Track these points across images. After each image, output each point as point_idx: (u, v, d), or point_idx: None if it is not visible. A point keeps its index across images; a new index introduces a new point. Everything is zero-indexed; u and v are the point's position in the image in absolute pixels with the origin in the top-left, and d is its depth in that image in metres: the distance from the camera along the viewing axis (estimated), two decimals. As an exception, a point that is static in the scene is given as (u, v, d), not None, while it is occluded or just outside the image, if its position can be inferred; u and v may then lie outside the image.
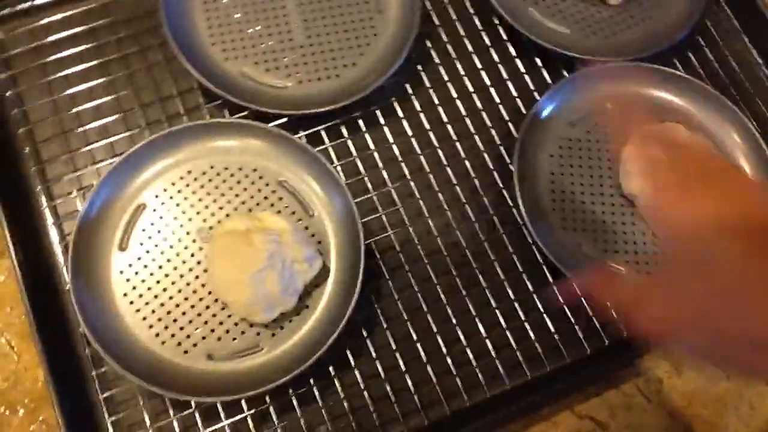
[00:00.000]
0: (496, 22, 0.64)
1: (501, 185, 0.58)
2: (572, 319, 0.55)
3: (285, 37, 0.60)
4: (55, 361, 0.50)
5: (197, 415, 0.51)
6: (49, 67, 0.59)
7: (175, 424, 0.51)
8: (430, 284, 0.55)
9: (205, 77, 0.56)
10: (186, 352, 0.52)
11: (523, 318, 0.55)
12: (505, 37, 0.63)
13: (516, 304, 0.55)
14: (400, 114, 0.60)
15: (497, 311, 0.55)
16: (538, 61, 0.63)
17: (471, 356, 0.53)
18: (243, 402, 0.51)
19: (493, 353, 0.54)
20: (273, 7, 0.61)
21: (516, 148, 0.57)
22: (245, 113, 0.57)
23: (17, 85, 0.59)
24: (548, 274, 0.56)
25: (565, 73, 0.62)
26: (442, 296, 0.55)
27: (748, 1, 0.65)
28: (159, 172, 0.55)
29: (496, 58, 0.62)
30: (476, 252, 0.56)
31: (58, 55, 0.59)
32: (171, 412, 0.51)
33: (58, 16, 0.61)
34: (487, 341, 0.54)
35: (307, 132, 0.58)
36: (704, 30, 0.65)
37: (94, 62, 0.60)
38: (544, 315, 0.55)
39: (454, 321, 0.54)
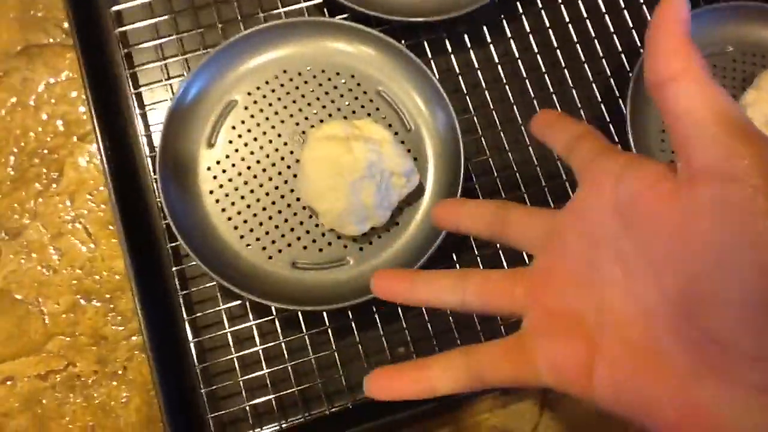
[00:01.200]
0: (617, -55, 0.59)
1: (608, 119, 0.55)
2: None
3: (394, -62, 0.56)
4: (136, 252, 0.48)
5: (277, 322, 0.49)
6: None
7: (254, 329, 0.49)
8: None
9: (308, -28, 0.53)
10: (270, 257, 0.50)
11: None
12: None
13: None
14: (508, 34, 0.56)
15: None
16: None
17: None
18: (325, 315, 0.49)
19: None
20: None
21: (630, 83, 0.53)
22: (346, 15, 0.54)
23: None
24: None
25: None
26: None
27: None
28: (253, 69, 0.52)
29: (613, -14, 0.58)
30: (573, 186, 0.53)
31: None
32: (250, 317, 0.49)
33: None
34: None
35: (409, 42, 0.55)
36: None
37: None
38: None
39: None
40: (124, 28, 0.53)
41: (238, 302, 0.49)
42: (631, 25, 0.57)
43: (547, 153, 0.53)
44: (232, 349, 0.49)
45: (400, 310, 0.50)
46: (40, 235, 0.50)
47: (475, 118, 0.54)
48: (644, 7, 0.58)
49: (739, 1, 0.56)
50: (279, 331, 0.49)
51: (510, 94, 0.55)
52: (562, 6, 0.57)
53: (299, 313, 0.49)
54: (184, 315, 0.49)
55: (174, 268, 0.50)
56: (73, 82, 0.53)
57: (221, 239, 0.49)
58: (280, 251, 0.50)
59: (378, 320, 0.50)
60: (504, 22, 0.56)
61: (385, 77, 0.53)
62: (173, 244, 0.50)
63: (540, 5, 0.57)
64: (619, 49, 0.57)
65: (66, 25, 0.53)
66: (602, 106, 0.55)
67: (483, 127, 0.54)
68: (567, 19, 0.57)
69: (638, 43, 0.57)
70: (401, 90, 0.53)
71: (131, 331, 0.50)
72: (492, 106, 0.54)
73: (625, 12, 0.58)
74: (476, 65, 0.55)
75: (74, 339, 0.50)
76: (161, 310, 0.49)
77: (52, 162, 0.52)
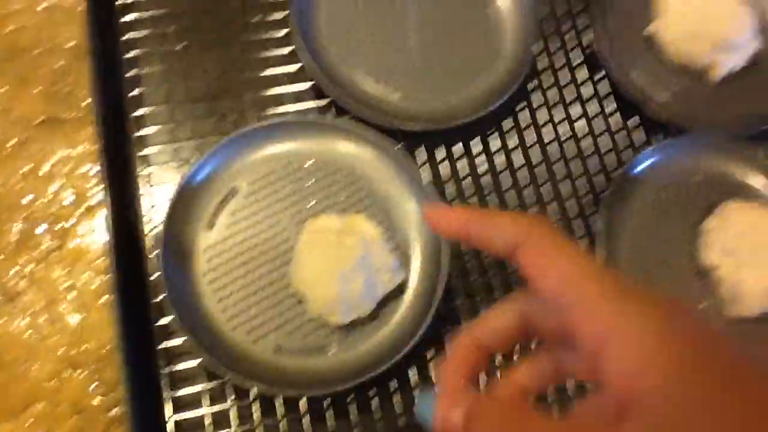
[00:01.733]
0: (600, 76, 0.64)
1: (580, 236, 0.59)
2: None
3: (402, 53, 0.62)
4: (126, 326, 0.50)
5: (256, 405, 0.51)
6: (169, 38, 0.60)
7: (232, 411, 0.51)
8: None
9: (320, 76, 0.57)
10: (255, 341, 0.52)
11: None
12: (606, 91, 0.64)
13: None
14: (495, 148, 0.61)
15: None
16: (635, 120, 0.63)
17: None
18: (303, 400, 0.51)
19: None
20: (395, 22, 0.63)
21: (603, 201, 0.57)
22: (348, 116, 0.58)
23: (136, 47, 0.59)
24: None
25: (661, 137, 0.63)
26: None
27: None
28: (259, 160, 0.56)
29: (594, 109, 0.63)
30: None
31: (181, 26, 0.60)
32: (230, 399, 0.51)
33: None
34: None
35: (406, 145, 0.59)
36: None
37: (214, 40, 0.60)
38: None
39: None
40: (142, 111, 0.57)
41: (219, 382, 0.51)
42: (608, 148, 0.62)
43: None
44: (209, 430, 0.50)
45: (378, 401, 0.52)
46: (37, 300, 0.52)
47: (460, 223, 0.58)
48: (624, 132, 0.63)
49: (708, 134, 0.62)
50: (256, 415, 0.50)
51: (495, 202, 0.59)
52: (547, 125, 0.62)
53: (278, 398, 0.51)
54: (167, 391, 0.50)
55: (161, 344, 0.51)
56: (87, 157, 0.56)
57: (210, 319, 0.52)
58: (265, 335, 0.52)
59: (357, 409, 0.52)
60: (492, 135, 0.61)
61: (381, 177, 0.57)
62: (162, 321, 0.52)
63: (526, 123, 0.62)
64: (594, 170, 0.61)
65: (84, 103, 0.57)
66: (575, 222, 0.59)
67: (467, 232, 0.57)
68: (548, 139, 0.62)
69: (613, 165, 0.61)
70: (395, 190, 0.56)
71: (113, 402, 0.51)
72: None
73: (605, 135, 0.63)
74: (464, 173, 0.59)
75: (55, 407, 0.51)
76: (145, 386, 0.51)
77: (57, 230, 0.54)
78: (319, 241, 0.51)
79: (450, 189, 0.59)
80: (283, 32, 0.61)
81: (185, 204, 0.53)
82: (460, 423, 0.26)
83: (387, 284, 0.52)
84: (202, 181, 0.54)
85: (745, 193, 0.62)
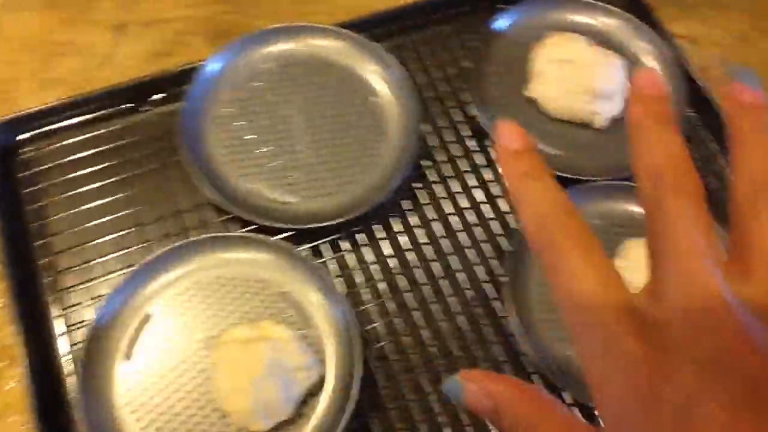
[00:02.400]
0: (489, 144, 0.68)
1: (492, 297, 0.61)
2: None
3: (292, 156, 0.65)
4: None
5: None
6: (71, 183, 0.64)
7: None
8: (423, 394, 0.56)
9: (217, 194, 0.60)
10: (186, 463, 0.53)
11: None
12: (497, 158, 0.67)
13: (509, 416, 0.56)
14: (397, 229, 0.63)
15: (488, 424, 0.56)
16: (528, 180, 0.66)
17: (465, 468, 0.54)
18: None
19: (485, 466, 0.54)
20: (283, 129, 0.66)
21: (507, 262, 0.60)
22: (253, 227, 0.61)
23: (40, 199, 0.63)
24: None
25: (554, 192, 0.65)
26: (436, 407, 0.56)
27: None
28: (167, 283, 0.58)
29: (489, 177, 0.66)
30: (468, 363, 0.58)
31: (81, 172, 0.64)
32: None
33: (84, 136, 0.66)
34: None
35: (310, 245, 0.61)
36: (686, 152, 0.69)
37: (114, 179, 0.64)
38: (537, 427, 0.55)
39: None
40: (51, 257, 0.60)
41: (155, 508, 0.52)
42: (506, 210, 0.65)
43: (443, 334, 0.58)
44: None
45: (310, 501, 0.53)
46: (-33, 458, 0.54)
47: (370, 309, 0.60)
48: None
49: (604, 180, 0.64)
50: None
51: (403, 284, 0.61)
52: (444, 201, 0.65)
53: None
54: None
55: (93, 480, 0.53)
56: (3, 310, 0.58)
57: (137, 450, 0.53)
58: (196, 456, 0.53)
59: None
60: (392, 219, 0.64)
61: (287, 279, 0.59)
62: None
63: (424, 201, 0.65)
64: (499, 232, 0.64)
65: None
66: (486, 286, 0.61)
67: (379, 317, 0.59)
68: (448, 211, 0.64)
69: (513, 225, 0.64)
70: (302, 290, 0.59)
71: None
72: (384, 297, 0.60)
73: (500, 200, 0.65)
74: (371, 260, 0.62)
75: None
76: None
77: (-19, 386, 0.56)
78: (231, 353, 0.53)
79: (359, 278, 0.61)
80: (177, 158, 0.64)
81: (100, 340, 0.55)
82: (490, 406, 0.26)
83: (303, 382, 0.54)
84: (113, 316, 0.56)
85: (643, 230, 0.63)
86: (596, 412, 0.25)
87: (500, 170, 0.28)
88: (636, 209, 0.64)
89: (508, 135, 0.28)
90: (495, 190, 0.66)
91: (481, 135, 0.68)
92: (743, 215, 0.25)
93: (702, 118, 0.71)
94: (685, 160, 0.25)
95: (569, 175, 0.64)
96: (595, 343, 0.24)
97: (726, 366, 0.22)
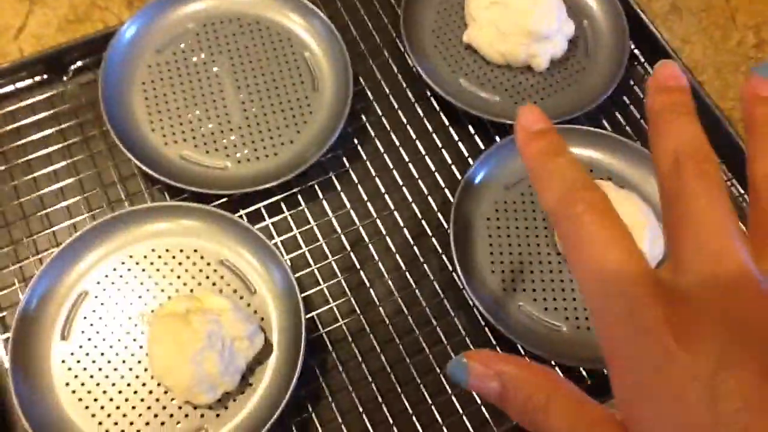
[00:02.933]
0: (429, 94, 0.66)
1: (440, 251, 0.59)
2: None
3: (223, 119, 0.62)
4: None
5: (142, 504, 0.50)
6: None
7: None
8: (374, 354, 0.55)
9: (145, 163, 0.57)
10: (131, 440, 0.51)
11: (467, 382, 0.55)
12: (437, 107, 0.66)
13: (460, 369, 0.55)
14: (338, 187, 0.61)
15: (442, 377, 0.55)
16: (470, 128, 0.65)
17: (419, 426, 0.53)
18: (189, 488, 0.51)
19: (440, 420, 0.54)
20: (211, 91, 0.63)
21: (451, 213, 0.58)
22: (186, 195, 0.59)
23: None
24: (492, 338, 0.57)
25: (497, 139, 0.64)
26: (386, 365, 0.55)
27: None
28: (100, 258, 0.56)
29: (430, 127, 0.65)
30: (419, 318, 0.57)
31: (2, 149, 0.61)
32: (115, 504, 0.50)
33: (3, 111, 0.62)
34: (433, 408, 0.54)
35: (247, 210, 0.59)
36: (629, 90, 0.68)
37: (38, 153, 0.61)
38: (489, 377, 0.55)
39: (399, 389, 0.54)
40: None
41: (102, 490, 0.50)
42: (450, 161, 0.63)
43: (391, 291, 0.57)
44: None
45: (263, 470, 0.51)
46: None
47: (316, 271, 0.58)
48: (459, 144, 0.64)
49: (568, 125, 0.63)
50: None
51: (346, 243, 0.59)
52: (385, 155, 0.63)
53: (163, 491, 0.50)
54: None
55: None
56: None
57: (80, 430, 0.51)
58: (138, 431, 0.51)
59: (241, 484, 0.51)
60: (333, 177, 0.62)
61: (225, 247, 0.57)
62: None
63: (365, 157, 0.63)
64: (442, 184, 0.62)
65: None
66: (433, 239, 0.60)
67: (325, 278, 0.58)
68: (391, 165, 0.63)
69: (458, 176, 0.62)
70: (240, 257, 0.57)
71: None
72: (331, 257, 0.58)
73: (443, 150, 0.64)
74: (312, 221, 0.60)
75: None
76: None
77: None
78: (167, 327, 0.51)
79: (301, 240, 0.59)
80: (102, 129, 0.62)
81: (32, 322, 0.53)
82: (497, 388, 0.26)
83: (247, 351, 0.52)
84: (45, 295, 0.53)
85: (589, 171, 0.63)
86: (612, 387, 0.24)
87: (521, 152, 0.28)
88: (578, 151, 0.63)
89: (528, 116, 0.29)
90: (438, 139, 0.64)
91: (419, 85, 0.66)
92: (763, 199, 0.26)
93: (645, 55, 0.70)
94: (706, 146, 0.26)
95: (512, 122, 0.62)
96: (620, 309, 0.23)
97: (755, 335, 0.22)
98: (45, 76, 0.64)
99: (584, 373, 0.56)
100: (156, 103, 0.62)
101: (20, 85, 0.64)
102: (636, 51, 0.70)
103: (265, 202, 0.60)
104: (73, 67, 0.65)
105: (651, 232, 0.56)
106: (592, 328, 0.57)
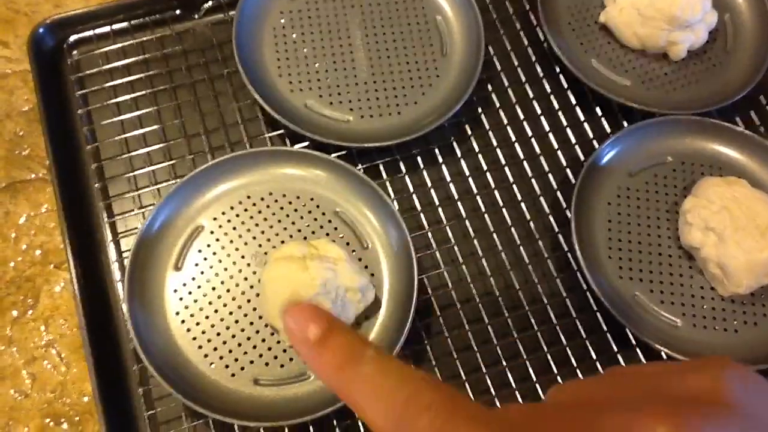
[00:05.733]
0: (558, 70, 0.64)
1: (557, 230, 0.58)
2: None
3: (350, 73, 0.62)
4: (104, 375, 0.50)
5: (239, 440, 0.50)
6: (120, 89, 0.61)
7: (217, 447, 0.50)
8: (482, 324, 0.54)
9: (271, 107, 0.57)
10: (233, 375, 0.51)
11: (575, 364, 0.53)
12: (565, 85, 0.64)
13: (568, 350, 0.54)
14: (459, 154, 0.60)
15: (548, 356, 0.53)
16: (598, 110, 0.63)
17: (520, 400, 0.52)
18: (286, 429, 0.50)
19: (543, 397, 0.52)
20: (340, 44, 0.63)
21: (574, 195, 0.56)
22: (306, 144, 0.58)
23: (88, 104, 0.60)
24: (602, 322, 0.55)
25: (624, 123, 0.62)
26: (493, 338, 0.54)
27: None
28: (219, 196, 0.56)
29: (556, 105, 0.63)
30: (529, 295, 0.56)
31: (129, 78, 0.61)
32: (213, 435, 0.50)
33: (133, 42, 0.63)
34: (537, 386, 0.52)
35: (365, 165, 0.59)
36: (766, 90, 0.65)
37: (163, 87, 0.61)
38: (597, 362, 0.53)
39: (504, 363, 0.53)
40: (100, 163, 0.58)
41: (202, 421, 0.51)
42: (573, 141, 0.61)
43: (503, 265, 0.56)
44: (195, 469, 0.49)
45: (360, 425, 0.51)
46: (14, 360, 0.53)
47: (429, 234, 0.57)
48: (585, 124, 0.62)
49: (674, 115, 0.60)
50: (241, 448, 0.50)
51: (462, 211, 0.58)
52: (508, 127, 0.62)
53: (261, 429, 0.50)
54: (149, 435, 0.50)
55: (141, 389, 0.51)
56: (52, 214, 0.57)
57: (186, 359, 0.51)
58: (242, 369, 0.51)
59: (338, 434, 0.51)
60: (454, 143, 0.60)
61: (342, 199, 0.56)
62: (140, 365, 0.52)
63: (487, 127, 0.61)
64: (564, 164, 0.60)
65: (45, 163, 0.58)
66: (551, 218, 0.58)
67: (438, 243, 0.57)
68: (513, 139, 0.61)
69: (581, 157, 0.60)
70: (357, 210, 0.56)
71: (97, 454, 0.51)
72: (445, 222, 0.57)
73: (568, 129, 0.62)
74: (429, 185, 0.59)
75: (42, 463, 0.51)
76: (127, 430, 0.51)
77: (29, 290, 0.55)
78: (283, 269, 0.51)
79: (417, 202, 0.58)
80: (228, 70, 0.62)
81: (149, 249, 0.53)
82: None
83: (358, 304, 0.52)
84: (164, 225, 0.54)
85: (718, 168, 0.60)
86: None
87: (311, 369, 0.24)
88: (709, 145, 0.61)
89: (298, 321, 0.25)
90: (564, 118, 0.62)
91: (549, 60, 0.64)
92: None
93: None
94: None
95: (642, 107, 0.60)
96: None
97: None
98: (178, 12, 0.65)
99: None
100: (285, 49, 0.62)
101: (154, 17, 0.64)
102: (777, 51, 0.67)
103: (384, 160, 0.59)
104: (205, 5, 0.65)
105: (786, 235, 0.54)
106: (710, 327, 0.55)
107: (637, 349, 0.54)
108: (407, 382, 0.22)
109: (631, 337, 0.54)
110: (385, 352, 0.25)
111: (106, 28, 0.63)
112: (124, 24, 0.64)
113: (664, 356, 0.53)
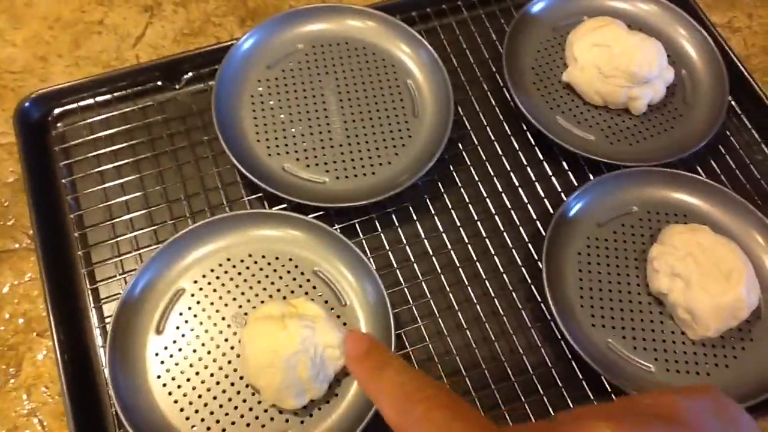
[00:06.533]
0: (525, 127, 0.67)
1: (530, 281, 0.59)
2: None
3: (325, 136, 0.64)
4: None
5: (222, 503, 0.50)
6: (103, 158, 0.63)
7: None
8: (459, 377, 0.55)
9: (249, 171, 0.59)
10: (215, 437, 0.52)
11: (552, 413, 0.54)
12: (533, 141, 0.66)
13: (545, 399, 0.55)
14: (432, 211, 0.62)
15: (526, 406, 0.54)
16: (564, 164, 0.65)
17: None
18: (268, 491, 0.51)
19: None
20: (315, 109, 0.65)
21: (544, 246, 0.58)
22: (284, 205, 0.60)
23: (72, 173, 0.62)
24: (577, 370, 0.56)
25: (591, 176, 0.64)
26: (471, 390, 0.55)
27: (766, 114, 0.69)
28: (199, 259, 0.58)
29: (524, 160, 0.65)
30: (506, 346, 0.57)
31: (112, 147, 0.64)
32: (196, 499, 0.50)
33: (116, 112, 0.65)
34: None
35: (342, 225, 0.60)
36: (725, 139, 0.68)
37: (145, 155, 0.64)
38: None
39: (482, 413, 0.54)
40: (83, 231, 0.60)
41: (184, 484, 0.51)
42: (542, 195, 0.64)
43: (478, 317, 0.57)
44: None
45: (342, 482, 0.51)
46: (-3, 429, 0.53)
47: (406, 290, 0.59)
48: (553, 178, 0.65)
49: (638, 166, 0.63)
50: None
51: (437, 265, 0.60)
52: (480, 183, 0.64)
53: (243, 492, 0.50)
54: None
55: (123, 454, 0.52)
56: (36, 282, 0.58)
57: (168, 422, 0.52)
58: (224, 430, 0.52)
59: (320, 493, 0.51)
60: (428, 200, 0.63)
61: (320, 258, 0.58)
62: (122, 430, 0.52)
63: (459, 183, 0.64)
64: (534, 216, 0.63)
65: (29, 233, 0.59)
66: (523, 269, 0.60)
67: (414, 298, 0.58)
68: (485, 194, 0.63)
69: (550, 210, 0.63)
70: (335, 269, 0.58)
71: None
72: (421, 278, 0.59)
73: (536, 183, 0.64)
74: (405, 241, 0.61)
75: None
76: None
77: (12, 358, 0.55)
78: (262, 329, 0.52)
79: (393, 258, 0.60)
80: (208, 137, 0.64)
81: (132, 313, 0.54)
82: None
83: (337, 361, 0.52)
84: (145, 289, 0.55)
85: (683, 215, 0.62)
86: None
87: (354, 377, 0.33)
88: (673, 195, 0.63)
89: (354, 344, 0.32)
90: (532, 173, 0.65)
91: (516, 118, 0.67)
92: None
93: (741, 106, 0.70)
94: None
95: (606, 160, 0.63)
96: None
97: None
98: (159, 83, 0.67)
99: (672, 418, 0.55)
100: (263, 115, 0.65)
101: (136, 89, 0.67)
102: (733, 102, 0.70)
103: (360, 219, 0.61)
104: (186, 76, 0.68)
105: (749, 280, 0.56)
106: (682, 371, 0.56)
107: (613, 396, 0.55)
108: (415, 380, 0.27)
109: (606, 383, 0.55)
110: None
111: (90, 100, 0.66)
112: (108, 96, 0.66)
113: (640, 402, 0.54)
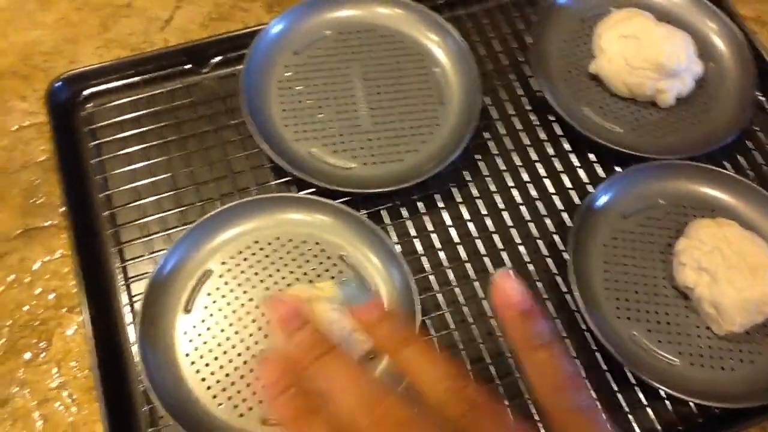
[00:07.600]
0: (552, 119, 0.67)
1: (555, 272, 0.60)
2: (626, 407, 0.54)
3: (352, 122, 0.64)
4: (115, 416, 0.51)
5: (247, 481, 0.51)
6: (131, 140, 0.64)
7: (225, 489, 0.51)
8: (483, 364, 0.56)
9: (277, 155, 0.60)
10: (241, 415, 0.52)
11: (576, 403, 0.54)
12: (559, 132, 0.66)
13: (569, 390, 0.55)
14: (458, 199, 0.62)
15: (550, 395, 0.54)
16: (591, 156, 0.65)
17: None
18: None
19: (545, 438, 0.53)
20: (343, 95, 0.66)
21: (570, 237, 0.58)
22: (311, 190, 0.61)
23: (101, 154, 0.63)
24: (601, 362, 0.56)
25: (617, 169, 0.64)
26: (496, 379, 0.55)
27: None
28: (227, 241, 0.58)
29: (550, 151, 0.66)
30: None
31: (140, 129, 0.64)
32: (221, 477, 0.51)
33: (144, 95, 0.66)
34: (540, 426, 0.53)
35: (368, 211, 0.61)
36: (752, 134, 0.68)
37: (173, 137, 0.64)
38: (596, 402, 0.54)
39: (506, 403, 0.54)
40: (112, 210, 0.60)
41: (210, 462, 0.51)
42: (569, 186, 0.64)
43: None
44: None
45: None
46: (26, 402, 0.54)
47: (431, 277, 0.59)
48: (579, 169, 0.65)
49: (665, 159, 0.63)
50: (248, 489, 0.51)
51: (462, 253, 0.60)
52: (505, 173, 0.64)
53: (268, 471, 0.51)
54: (158, 477, 0.51)
55: (150, 429, 0.52)
56: (66, 260, 0.59)
57: (195, 399, 0.53)
58: (250, 409, 0.53)
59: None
60: (453, 188, 0.63)
61: (346, 243, 0.58)
62: (150, 406, 0.53)
63: (485, 173, 0.64)
64: (560, 207, 0.63)
65: (59, 210, 0.60)
66: (548, 260, 0.60)
67: (440, 285, 0.58)
68: (511, 184, 0.64)
69: (576, 201, 0.63)
70: (361, 254, 0.58)
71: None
72: (446, 265, 0.59)
73: (563, 174, 0.64)
74: (430, 228, 0.61)
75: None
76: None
77: (42, 333, 0.56)
78: (290, 311, 0.53)
79: (418, 246, 0.60)
80: (236, 121, 0.64)
81: (160, 293, 0.55)
82: None
83: (363, 344, 0.53)
84: (174, 269, 0.56)
85: (710, 210, 0.62)
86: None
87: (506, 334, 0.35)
88: (700, 189, 0.63)
89: (509, 289, 0.35)
90: (558, 164, 0.65)
91: (542, 109, 0.67)
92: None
93: (770, 102, 0.70)
94: None
95: (633, 152, 0.63)
96: None
97: None
98: (186, 67, 0.68)
99: (693, 408, 0.55)
100: (290, 101, 0.65)
101: (164, 72, 0.67)
102: (761, 97, 0.70)
103: (386, 205, 0.61)
104: (213, 60, 0.68)
105: (776, 274, 0.56)
106: (707, 366, 0.56)
107: (636, 388, 0.55)
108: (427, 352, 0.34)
109: (630, 375, 0.55)
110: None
111: (118, 83, 0.66)
112: (136, 78, 0.67)
113: (663, 394, 0.54)
